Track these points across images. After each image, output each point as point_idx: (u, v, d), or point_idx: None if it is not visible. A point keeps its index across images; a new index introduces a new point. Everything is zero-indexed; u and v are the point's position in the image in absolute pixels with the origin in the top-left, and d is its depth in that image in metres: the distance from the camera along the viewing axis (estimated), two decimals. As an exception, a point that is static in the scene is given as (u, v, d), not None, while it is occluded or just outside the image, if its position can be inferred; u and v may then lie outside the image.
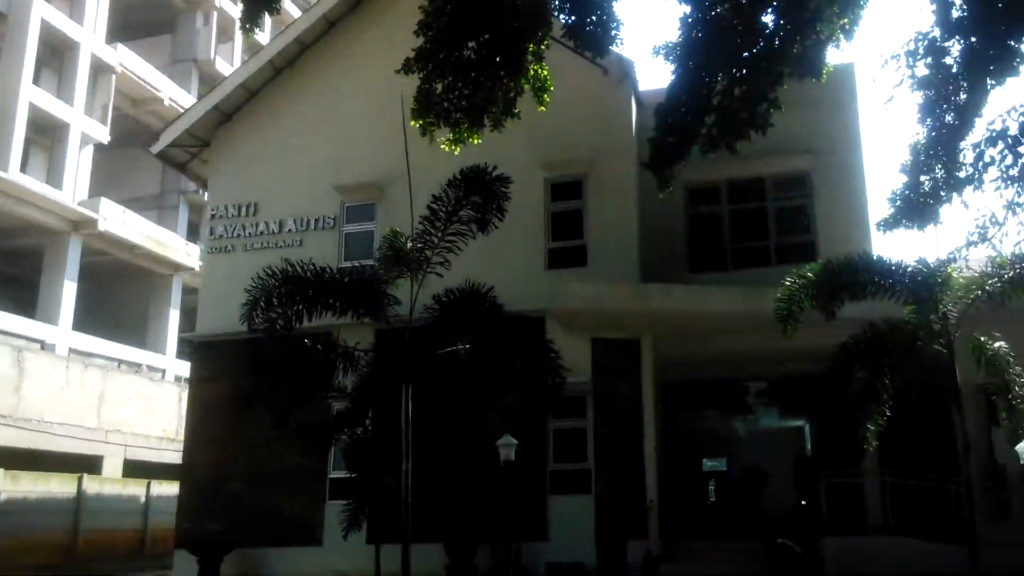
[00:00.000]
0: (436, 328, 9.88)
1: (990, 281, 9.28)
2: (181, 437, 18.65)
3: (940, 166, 10.30)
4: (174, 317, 32.21)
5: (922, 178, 10.56)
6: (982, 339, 9.63)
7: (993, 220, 9.11)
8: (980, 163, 9.16)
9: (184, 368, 27.00)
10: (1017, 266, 9.17)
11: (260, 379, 12.57)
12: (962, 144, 9.52)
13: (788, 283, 9.91)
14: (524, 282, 15.69)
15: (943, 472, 13.61)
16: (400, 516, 9.40)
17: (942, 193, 10.36)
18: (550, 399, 10.08)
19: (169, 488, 21.31)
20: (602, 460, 15.62)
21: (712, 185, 18.24)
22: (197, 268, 29.59)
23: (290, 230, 18.23)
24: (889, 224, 10.97)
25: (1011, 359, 9.54)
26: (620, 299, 15.28)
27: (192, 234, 34.35)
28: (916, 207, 10.61)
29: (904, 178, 10.76)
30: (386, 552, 12.79)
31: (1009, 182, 8.29)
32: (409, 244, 9.86)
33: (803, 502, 15.14)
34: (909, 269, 9.44)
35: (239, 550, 16.09)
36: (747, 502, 24.39)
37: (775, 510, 18.91)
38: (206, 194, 20.96)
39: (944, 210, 10.51)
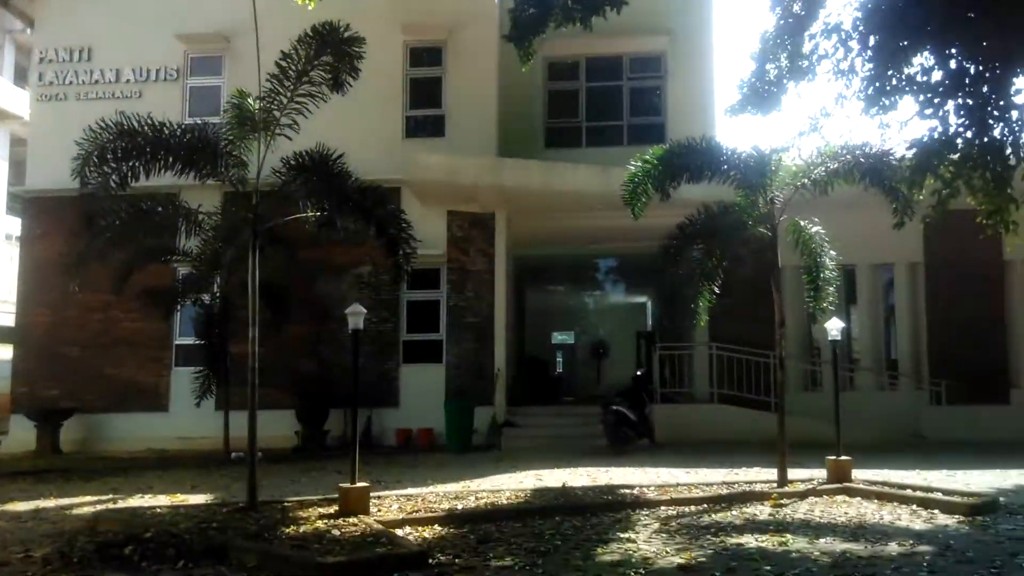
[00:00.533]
0: (285, 193, 9.57)
1: (816, 170, 9.87)
2: (13, 298, 17.61)
3: (785, 56, 10.68)
4: (2, 169, 29.75)
5: (768, 66, 10.93)
6: (802, 223, 10.31)
7: (824, 112, 9.63)
8: (815, 55, 9.58)
9: (15, 225, 25.21)
10: (841, 157, 9.78)
11: (98, 240, 11.92)
12: (805, 35, 9.90)
13: (634, 166, 10.16)
14: (381, 150, 15.49)
15: (764, 346, 14.82)
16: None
17: (785, 82, 10.79)
18: (403, 270, 10.10)
19: (2, 351, 20.23)
20: (454, 331, 16.03)
21: (571, 61, 18.28)
22: (27, 117, 27.18)
23: (128, 80, 17.02)
24: (736, 110, 11.40)
25: (826, 243, 10.30)
26: (476, 172, 15.32)
27: (20, 79, 31.30)
28: (761, 95, 11.03)
29: (753, 66, 11.13)
30: (235, 419, 12.82)
31: (839, 75, 8.73)
32: (257, 104, 9.36)
33: (639, 372, 16.19)
34: (743, 155, 9.88)
35: (80, 415, 15.71)
36: (590, 372, 25.92)
37: (615, 380, 20.16)
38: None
39: (787, 99, 10.98)
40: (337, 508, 8.09)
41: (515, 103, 17.33)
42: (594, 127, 17.98)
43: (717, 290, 10.85)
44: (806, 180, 9.95)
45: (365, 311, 8.88)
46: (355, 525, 7.54)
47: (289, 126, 9.21)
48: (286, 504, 8.63)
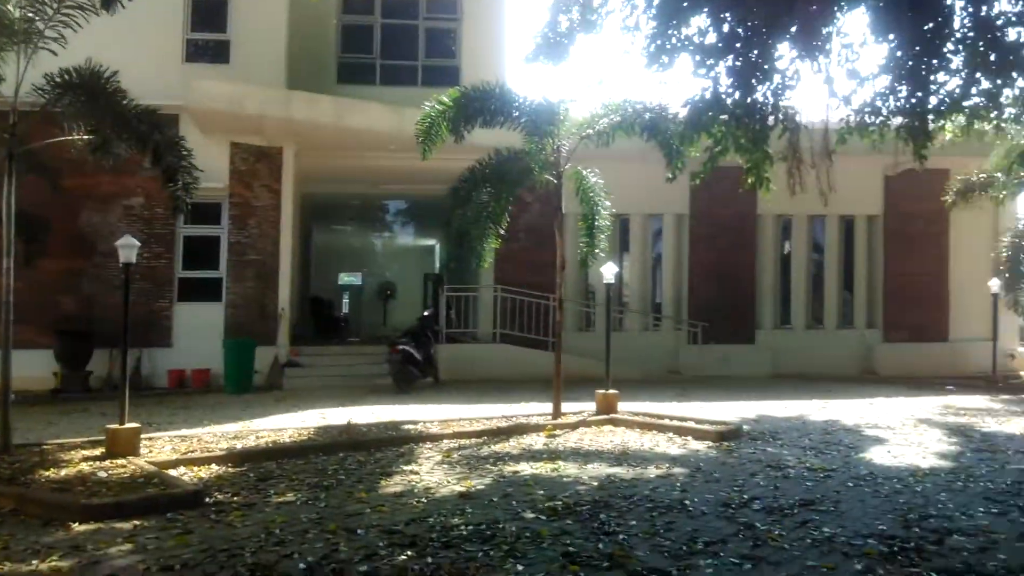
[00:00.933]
0: (49, 112, 8.66)
1: (600, 121, 10.35)
2: None
3: (576, 8, 11.01)
4: None
5: (561, 17, 11.22)
6: (584, 172, 10.84)
7: (610, 66, 10.10)
8: (603, 10, 9.98)
9: None
10: (623, 111, 10.31)
11: None
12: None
13: (428, 107, 10.17)
14: (159, 73, 14.32)
15: (546, 289, 15.51)
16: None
17: (576, 34, 11.14)
18: (182, 202, 9.51)
19: None
20: (235, 268, 15.38)
21: (367, -6, 17.76)
22: None
23: None
24: (530, 58, 11.66)
25: (604, 192, 10.90)
26: (262, 103, 14.55)
27: None
28: (553, 45, 11.34)
29: (547, 16, 11.39)
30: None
31: (625, 30, 9.15)
32: (17, 12, 8.37)
33: (426, 313, 16.42)
34: (534, 103, 10.16)
35: None
36: (377, 313, 25.92)
37: (402, 321, 20.30)
38: None
39: (577, 50, 11.37)
40: (104, 450, 7.67)
41: (307, 34, 16.62)
42: (388, 65, 17.62)
43: (503, 233, 11.19)
44: (591, 131, 10.42)
45: (138, 244, 8.36)
46: (124, 467, 7.20)
47: (55, 39, 8.35)
48: (45, 447, 8.05)
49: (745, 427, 9.83)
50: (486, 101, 10.19)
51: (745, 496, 6.48)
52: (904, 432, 9.80)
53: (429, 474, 7.35)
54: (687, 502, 6.26)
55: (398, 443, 8.82)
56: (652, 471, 7.48)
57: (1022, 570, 4.70)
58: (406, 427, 9.68)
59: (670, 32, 8.37)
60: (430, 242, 26.54)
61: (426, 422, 9.98)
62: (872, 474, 7.36)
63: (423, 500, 6.38)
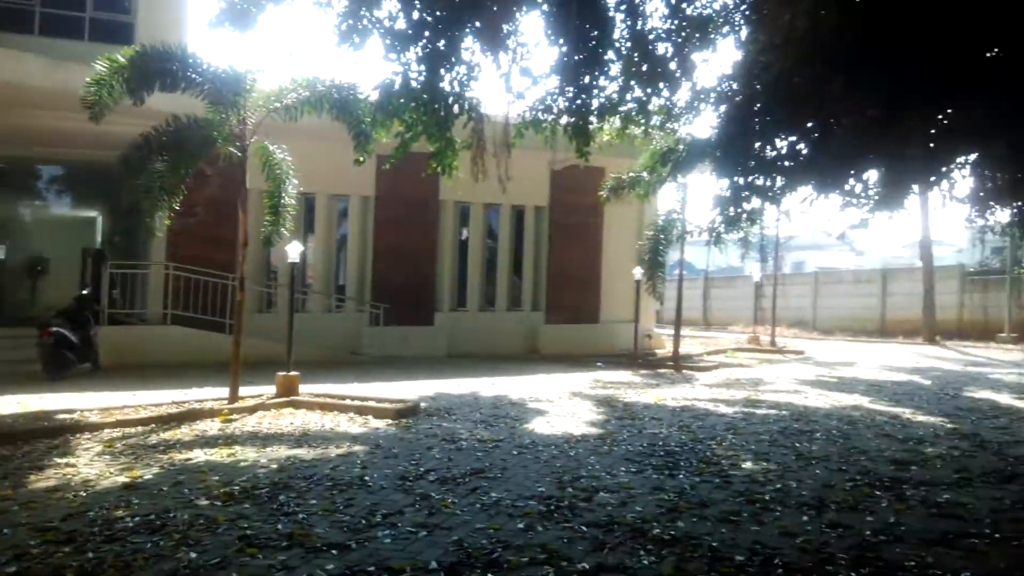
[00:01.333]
0: None
1: (289, 95, 10.09)
2: None
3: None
4: None
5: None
6: (271, 147, 10.49)
7: (300, 40, 9.86)
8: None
9: None
10: (313, 87, 10.12)
11: None
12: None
13: (101, 66, 9.20)
14: None
15: (224, 268, 14.85)
16: None
17: (264, 3, 10.70)
18: None
19: None
20: None
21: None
22: None
23: None
24: (215, 23, 10.99)
25: (291, 170, 10.64)
26: None
27: None
28: (239, 12, 10.78)
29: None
30: None
31: (318, 5, 8.96)
32: None
33: (84, 292, 14.91)
34: (219, 70, 9.62)
35: None
36: (23, 292, 23.00)
37: (55, 300, 18.24)
38: None
39: (266, 19, 10.90)
40: None
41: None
42: (50, 14, 15.52)
43: (178, 207, 10.52)
44: (279, 104, 10.12)
45: None
46: None
47: None
48: None
49: (423, 404, 10.24)
50: (167, 63, 9.48)
51: (421, 469, 6.80)
52: (561, 404, 10.84)
53: (88, 466, 6.78)
54: (367, 478, 6.43)
55: (51, 434, 8.01)
56: (333, 451, 7.55)
57: (655, 518, 5.46)
58: (59, 417, 8.79)
59: (362, 13, 8.39)
60: (91, 213, 24.06)
61: (84, 411, 9.12)
62: (534, 442, 8.07)
63: (82, 494, 5.88)
